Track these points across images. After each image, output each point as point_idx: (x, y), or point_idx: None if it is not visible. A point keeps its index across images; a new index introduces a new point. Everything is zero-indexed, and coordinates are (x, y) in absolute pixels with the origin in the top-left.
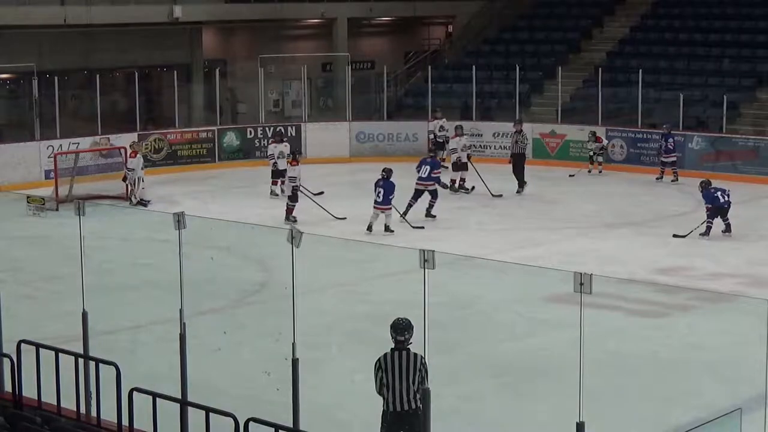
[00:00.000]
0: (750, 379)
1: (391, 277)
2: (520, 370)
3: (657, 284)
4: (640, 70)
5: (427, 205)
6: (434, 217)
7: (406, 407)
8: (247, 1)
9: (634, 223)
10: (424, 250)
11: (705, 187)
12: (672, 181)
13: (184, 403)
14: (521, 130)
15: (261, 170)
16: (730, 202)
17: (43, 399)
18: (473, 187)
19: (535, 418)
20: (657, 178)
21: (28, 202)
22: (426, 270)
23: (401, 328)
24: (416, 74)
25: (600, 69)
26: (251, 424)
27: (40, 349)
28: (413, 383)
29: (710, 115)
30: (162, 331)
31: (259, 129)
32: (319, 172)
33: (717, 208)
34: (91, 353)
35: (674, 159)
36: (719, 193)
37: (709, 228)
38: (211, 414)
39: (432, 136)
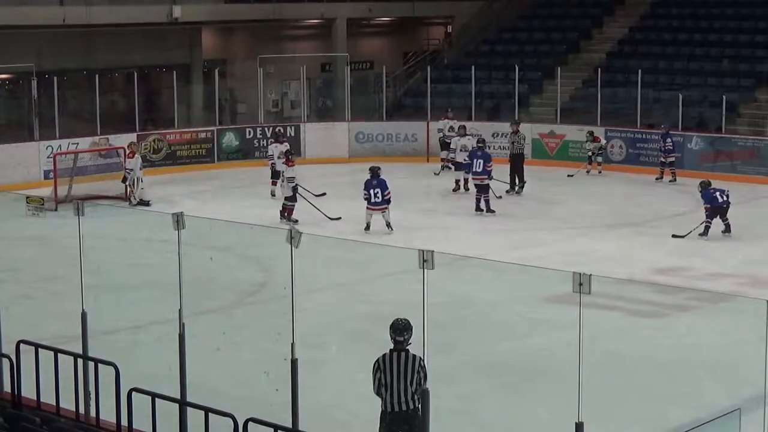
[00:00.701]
0: (749, 379)
1: (390, 278)
2: (519, 371)
3: (656, 284)
4: (639, 71)
5: (483, 202)
6: (494, 212)
7: (404, 408)
8: (246, 2)
9: (633, 223)
10: (423, 251)
11: (704, 187)
12: (670, 181)
13: (183, 404)
14: (518, 131)
15: (260, 170)
16: (729, 203)
17: (42, 399)
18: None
19: (534, 419)
20: (656, 179)
21: (27, 202)
22: (425, 270)
23: (400, 329)
24: (415, 74)
25: (599, 69)
26: (250, 424)
27: (39, 349)
28: (411, 384)
29: (709, 115)
30: (161, 332)
31: (258, 129)
32: (318, 173)
33: (716, 208)
34: (91, 353)
35: (673, 159)
36: (718, 193)
37: (707, 228)
38: (210, 414)
39: (441, 135)
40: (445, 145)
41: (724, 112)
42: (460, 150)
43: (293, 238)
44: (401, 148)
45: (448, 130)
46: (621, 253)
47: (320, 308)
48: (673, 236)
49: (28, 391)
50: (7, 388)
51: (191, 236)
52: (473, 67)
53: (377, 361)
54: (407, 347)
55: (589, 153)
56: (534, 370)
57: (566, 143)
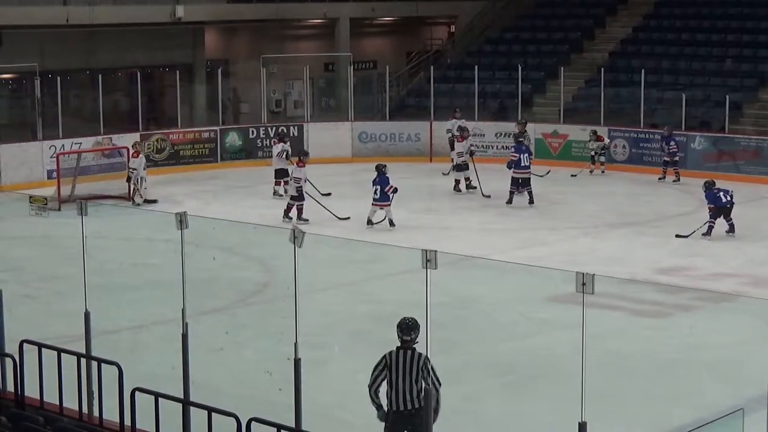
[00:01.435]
0: (752, 378)
1: (393, 277)
2: (521, 370)
3: (659, 284)
4: (643, 70)
5: (527, 194)
6: (533, 203)
7: (409, 407)
8: (249, 1)
9: (636, 223)
10: (426, 250)
11: (708, 187)
12: (674, 181)
13: (186, 403)
14: (525, 131)
15: (263, 170)
16: (733, 203)
17: (45, 399)
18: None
19: (537, 418)
20: (659, 179)
21: (30, 202)
22: (428, 270)
23: (407, 328)
24: (418, 74)
25: (602, 69)
26: (253, 424)
27: (43, 348)
28: (417, 382)
29: (712, 115)
30: (164, 331)
31: (261, 129)
32: (321, 172)
33: (719, 208)
34: (94, 353)
35: (677, 159)
36: (722, 193)
37: (710, 228)
38: (213, 414)
39: (450, 135)
40: (454, 145)
41: (727, 112)
42: (466, 153)
43: (296, 237)
44: (404, 148)
45: (457, 130)
46: (624, 253)
47: (323, 308)
48: (677, 236)
49: (31, 391)
50: (11, 387)
51: (194, 236)
52: (476, 67)
53: (385, 356)
54: (414, 346)
55: (592, 152)
56: (536, 370)
57: (569, 143)
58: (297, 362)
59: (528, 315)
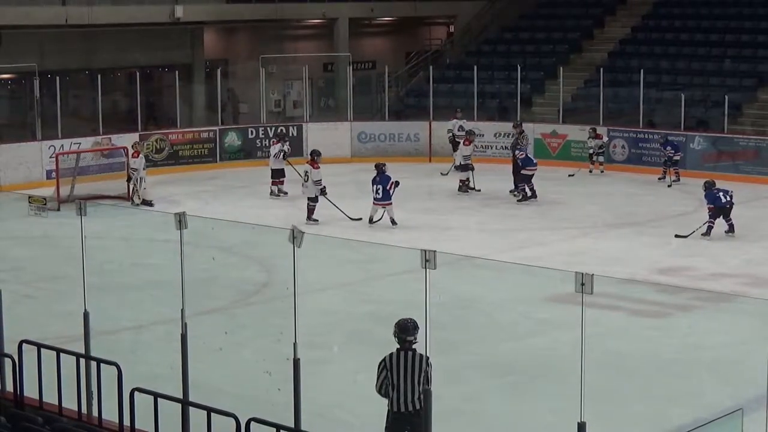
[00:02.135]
0: (751, 379)
1: (392, 277)
2: (521, 370)
3: (658, 284)
4: (642, 70)
5: (529, 190)
6: (536, 197)
7: (410, 408)
8: (248, 1)
9: (635, 223)
10: (425, 250)
11: (708, 187)
12: (674, 181)
13: (185, 403)
14: (523, 131)
15: (262, 170)
16: (733, 203)
17: (44, 399)
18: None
19: (537, 418)
20: (659, 179)
21: (29, 202)
22: (427, 270)
23: (407, 328)
24: (417, 74)
25: (601, 69)
26: (252, 424)
27: (42, 349)
28: (418, 383)
29: (711, 115)
30: (163, 331)
31: (260, 129)
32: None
33: (719, 208)
34: (93, 353)
35: (677, 159)
36: (721, 193)
37: (710, 228)
38: (212, 414)
39: (451, 135)
40: (455, 145)
41: (726, 112)
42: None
43: (295, 237)
44: (403, 148)
45: (458, 130)
46: (623, 253)
47: (322, 308)
48: (676, 236)
49: (30, 391)
50: (10, 387)
51: (193, 236)
52: (475, 67)
53: (384, 359)
54: (413, 347)
55: (590, 150)
56: (536, 370)
57: (568, 143)
58: (296, 362)
59: (528, 315)
